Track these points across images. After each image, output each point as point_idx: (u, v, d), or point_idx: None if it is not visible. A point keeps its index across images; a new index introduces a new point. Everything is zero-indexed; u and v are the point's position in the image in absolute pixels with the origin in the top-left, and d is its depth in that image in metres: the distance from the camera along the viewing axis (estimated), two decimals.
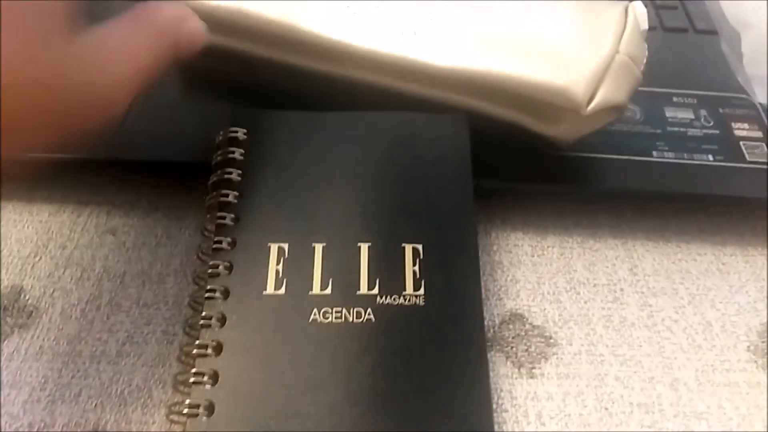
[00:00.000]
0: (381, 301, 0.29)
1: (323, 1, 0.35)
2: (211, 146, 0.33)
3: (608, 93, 0.33)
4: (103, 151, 0.36)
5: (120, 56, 0.24)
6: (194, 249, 0.35)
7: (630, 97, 0.34)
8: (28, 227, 0.37)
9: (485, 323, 0.33)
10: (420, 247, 0.30)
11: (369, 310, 0.29)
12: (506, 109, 0.34)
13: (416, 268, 0.30)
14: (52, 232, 0.37)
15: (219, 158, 0.33)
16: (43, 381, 0.31)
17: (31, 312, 0.33)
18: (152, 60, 0.25)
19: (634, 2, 0.35)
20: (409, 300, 0.29)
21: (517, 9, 0.35)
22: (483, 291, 0.33)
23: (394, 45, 0.34)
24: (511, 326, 0.34)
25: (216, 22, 0.35)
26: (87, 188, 0.38)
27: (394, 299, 0.29)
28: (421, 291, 0.29)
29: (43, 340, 0.32)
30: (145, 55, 0.25)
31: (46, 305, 0.33)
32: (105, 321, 0.33)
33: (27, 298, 0.34)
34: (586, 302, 0.35)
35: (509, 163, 0.37)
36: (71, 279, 0.35)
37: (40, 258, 0.35)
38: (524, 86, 0.33)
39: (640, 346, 0.33)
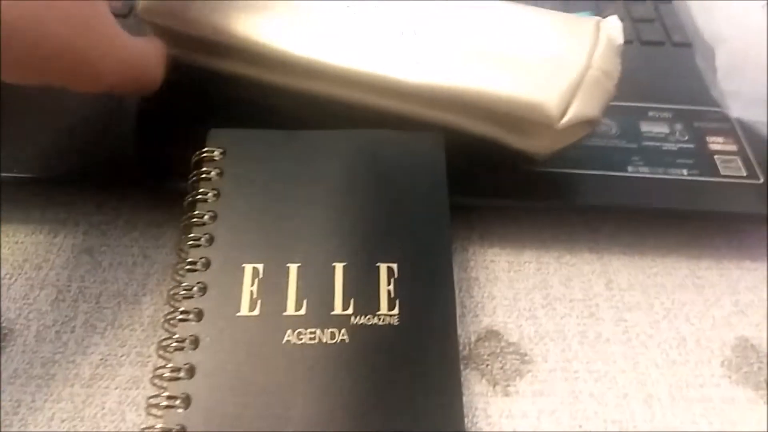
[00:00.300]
0: (355, 322, 0.29)
1: (295, 16, 0.35)
2: (187, 165, 0.33)
3: (581, 107, 0.33)
4: (79, 169, 0.36)
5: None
6: (170, 269, 0.35)
7: (603, 111, 0.34)
8: (3, 248, 0.37)
9: (461, 341, 0.33)
10: (395, 266, 0.30)
11: (343, 330, 0.29)
12: (481, 123, 0.35)
13: (391, 287, 0.30)
14: (28, 252, 0.36)
15: (194, 178, 0.33)
16: (16, 405, 0.31)
17: (6, 334, 0.33)
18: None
19: (609, 17, 0.35)
20: (384, 320, 0.29)
21: (490, 24, 0.35)
22: (459, 308, 0.34)
23: (370, 61, 0.34)
24: (486, 343, 0.34)
25: (192, 41, 0.36)
26: (63, 207, 0.38)
27: (369, 319, 0.29)
28: (396, 311, 0.29)
29: (18, 363, 0.32)
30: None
31: (21, 327, 0.33)
32: (79, 343, 0.33)
33: (2, 320, 0.33)
34: (562, 318, 0.35)
35: (486, 180, 0.37)
36: (47, 300, 0.34)
37: (15, 279, 0.35)
38: (498, 101, 0.33)
39: (615, 362, 0.33)
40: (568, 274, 0.37)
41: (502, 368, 0.33)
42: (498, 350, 0.33)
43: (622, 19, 0.47)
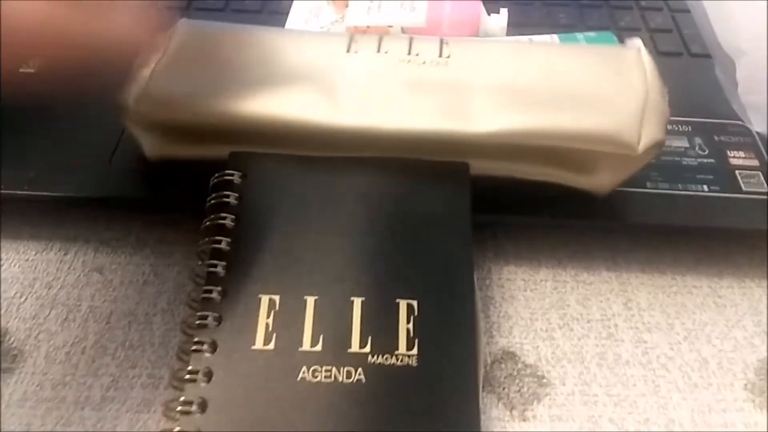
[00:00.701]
0: (372, 361, 0.28)
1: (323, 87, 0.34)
2: (204, 185, 0.33)
3: (651, 131, 0.33)
4: (92, 188, 0.36)
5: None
6: (182, 287, 0.35)
7: (665, 131, 0.34)
8: (14, 266, 0.36)
9: None
10: (415, 303, 0.30)
11: (360, 369, 0.28)
12: (547, 168, 0.35)
13: (410, 325, 0.29)
14: (39, 270, 0.36)
15: (213, 202, 0.32)
16: (26, 428, 0.30)
17: (16, 356, 0.33)
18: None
19: (636, 41, 0.35)
20: (402, 360, 0.28)
21: (542, 64, 0.35)
22: None
23: (432, 120, 0.33)
24: (503, 365, 0.33)
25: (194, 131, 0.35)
26: (74, 225, 0.38)
27: (386, 359, 0.28)
28: (415, 351, 0.28)
29: (27, 385, 0.32)
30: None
31: (31, 348, 0.33)
32: (90, 365, 0.32)
33: (11, 340, 0.33)
34: (579, 339, 0.34)
35: (503, 197, 0.36)
36: (57, 320, 0.34)
37: (26, 298, 0.35)
38: (570, 138, 0.33)
39: (635, 385, 0.32)
40: (585, 293, 0.36)
41: (519, 392, 0.32)
42: (515, 373, 0.33)
43: (638, 29, 0.47)
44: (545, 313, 0.35)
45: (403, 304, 0.30)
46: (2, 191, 0.35)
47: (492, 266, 0.37)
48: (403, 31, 0.43)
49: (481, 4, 0.43)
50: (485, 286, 0.36)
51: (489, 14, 0.44)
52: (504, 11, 0.43)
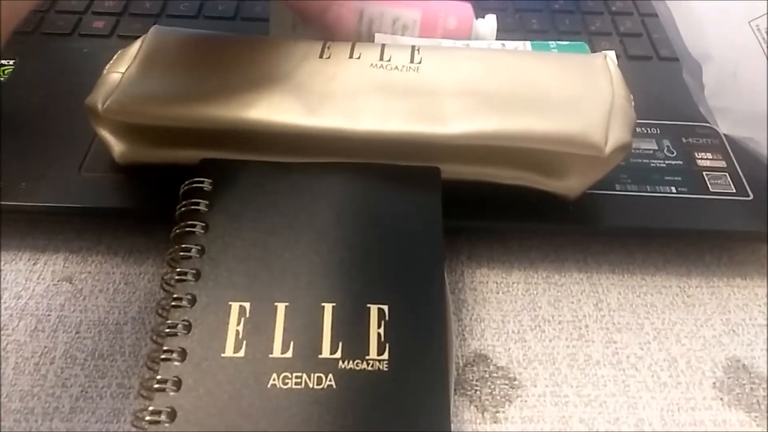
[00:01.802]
0: (343, 366, 0.28)
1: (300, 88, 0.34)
2: (172, 192, 0.33)
3: (618, 133, 0.33)
4: (61, 198, 0.36)
5: None
6: (152, 296, 0.35)
7: (632, 134, 0.34)
8: None
9: None
10: (386, 308, 0.30)
11: (330, 375, 0.28)
12: (516, 171, 0.35)
13: (381, 330, 0.29)
14: (7, 281, 0.36)
15: (183, 209, 0.32)
16: None
17: None
18: None
19: (607, 51, 0.36)
20: (372, 365, 0.28)
21: (511, 69, 0.35)
22: None
23: (403, 123, 0.33)
24: (475, 368, 0.33)
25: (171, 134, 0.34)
26: (43, 234, 0.38)
27: (357, 364, 0.28)
28: (385, 355, 0.28)
29: None
30: None
31: None
32: (59, 375, 0.32)
33: None
34: (551, 340, 0.34)
35: (474, 201, 0.36)
36: (25, 330, 0.34)
37: None
38: (542, 140, 0.33)
39: (605, 385, 0.33)
40: (556, 295, 0.37)
41: (491, 394, 0.32)
42: (486, 375, 0.33)
43: (609, 34, 0.47)
44: (517, 315, 0.36)
45: (373, 309, 0.30)
46: None
47: (465, 269, 0.37)
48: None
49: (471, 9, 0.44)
50: (458, 289, 0.36)
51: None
52: (491, 17, 0.44)
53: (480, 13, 0.45)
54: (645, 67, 0.47)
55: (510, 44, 0.43)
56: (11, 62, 0.44)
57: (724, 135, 0.40)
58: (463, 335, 0.34)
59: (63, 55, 0.45)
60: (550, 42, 0.43)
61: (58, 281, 0.36)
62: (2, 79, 0.43)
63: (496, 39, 0.44)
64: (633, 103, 0.36)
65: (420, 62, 0.36)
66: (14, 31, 0.46)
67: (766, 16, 0.38)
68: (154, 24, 0.46)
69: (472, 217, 0.36)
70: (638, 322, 0.35)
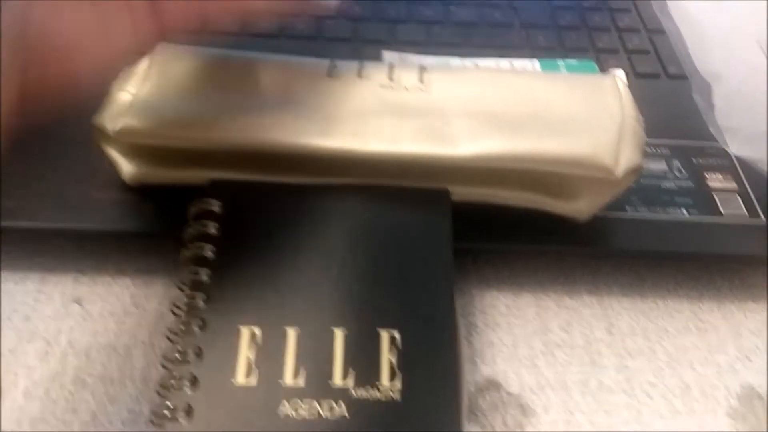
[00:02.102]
0: (355, 394, 0.28)
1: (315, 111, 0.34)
2: (182, 212, 0.33)
3: (629, 155, 0.33)
4: (70, 219, 0.35)
5: None
6: (162, 318, 0.35)
7: (642, 156, 0.34)
8: None
9: None
10: (397, 333, 0.30)
11: (342, 403, 0.28)
12: (526, 193, 0.35)
13: (392, 356, 0.29)
14: (16, 302, 0.36)
15: (192, 231, 0.32)
16: None
17: None
18: None
19: (615, 70, 0.36)
20: (385, 392, 0.28)
21: (520, 90, 0.35)
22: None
23: (413, 144, 0.33)
24: (487, 395, 0.33)
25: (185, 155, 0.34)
26: (52, 255, 0.37)
27: (369, 391, 0.28)
28: (397, 382, 0.28)
29: (5, 423, 0.31)
30: None
31: (9, 384, 0.32)
32: (69, 400, 0.32)
33: None
34: (562, 366, 0.34)
35: (484, 223, 0.36)
36: (35, 354, 0.34)
37: (3, 332, 0.34)
38: (548, 162, 0.33)
39: (618, 413, 0.33)
40: (567, 318, 0.36)
41: (503, 422, 0.32)
42: (499, 402, 0.33)
43: (617, 51, 0.47)
44: (528, 339, 0.35)
45: (384, 335, 0.30)
46: None
47: (474, 292, 0.37)
48: None
49: None
50: (467, 312, 0.36)
51: None
52: None
53: (485, 31, 0.45)
54: (653, 84, 0.46)
55: (518, 63, 0.43)
56: None
57: (735, 155, 0.40)
58: (474, 360, 0.34)
59: None
60: (558, 60, 0.42)
61: (67, 303, 0.36)
62: None
63: (502, 56, 0.44)
64: (643, 123, 0.35)
65: (429, 83, 0.36)
66: None
67: None
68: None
69: (480, 238, 0.36)
70: (651, 347, 0.35)
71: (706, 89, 0.39)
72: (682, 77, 0.46)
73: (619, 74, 0.37)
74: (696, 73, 0.40)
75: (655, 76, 0.47)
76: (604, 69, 0.46)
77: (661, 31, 0.49)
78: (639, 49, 0.49)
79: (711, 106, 0.39)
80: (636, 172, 0.34)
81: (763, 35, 0.38)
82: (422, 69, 0.37)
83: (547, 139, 0.33)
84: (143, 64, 0.36)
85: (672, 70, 0.47)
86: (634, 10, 0.52)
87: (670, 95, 0.45)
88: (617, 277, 0.38)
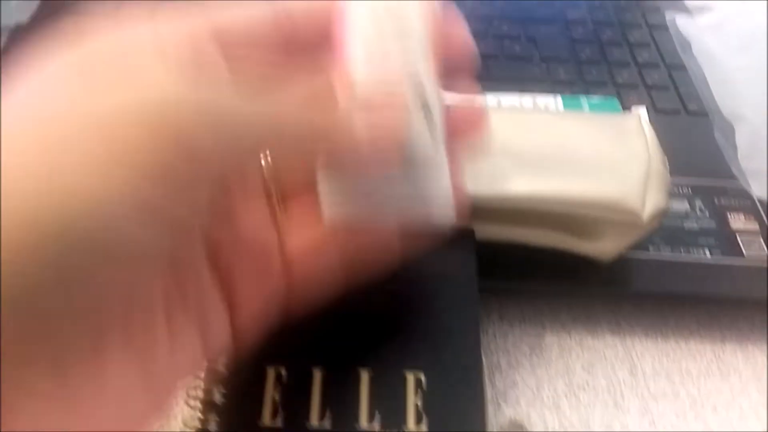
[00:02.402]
0: None
1: None
2: None
3: (655, 199, 0.33)
4: None
5: None
6: None
7: (668, 199, 0.34)
8: None
9: None
10: (422, 375, 0.29)
11: None
12: (550, 232, 0.35)
13: (418, 399, 0.29)
14: None
15: None
16: None
17: None
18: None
19: (639, 109, 0.36)
20: None
21: (546, 132, 0.35)
22: None
23: None
24: None
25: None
26: None
27: None
28: (423, 426, 0.28)
29: None
30: None
31: None
32: None
33: None
34: (586, 408, 0.34)
35: (508, 263, 0.36)
36: None
37: None
38: (575, 204, 0.33)
39: None
40: (590, 359, 0.36)
41: None
42: None
43: (636, 86, 0.47)
44: (551, 380, 0.35)
45: (410, 377, 0.30)
46: None
47: (497, 331, 0.37)
48: None
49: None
50: (491, 351, 0.36)
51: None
52: None
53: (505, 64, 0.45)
54: (673, 121, 0.46)
55: (541, 99, 0.43)
56: None
57: (758, 199, 0.40)
58: (498, 401, 0.34)
59: None
60: (581, 97, 0.43)
61: None
62: None
63: (524, 90, 0.45)
64: (668, 165, 0.35)
65: None
66: None
67: None
68: None
69: (504, 277, 0.36)
70: (674, 390, 0.35)
71: (729, 130, 0.39)
72: (702, 114, 0.46)
73: (643, 113, 0.37)
74: (718, 113, 0.40)
75: (675, 112, 0.47)
76: (625, 105, 0.46)
77: (681, 67, 0.49)
78: (659, 84, 0.49)
79: (734, 147, 0.39)
80: (661, 214, 0.34)
81: None
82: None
83: (574, 181, 0.33)
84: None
85: (692, 106, 0.47)
86: (653, 45, 0.52)
87: (690, 132, 0.45)
88: (640, 317, 0.38)
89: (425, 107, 0.23)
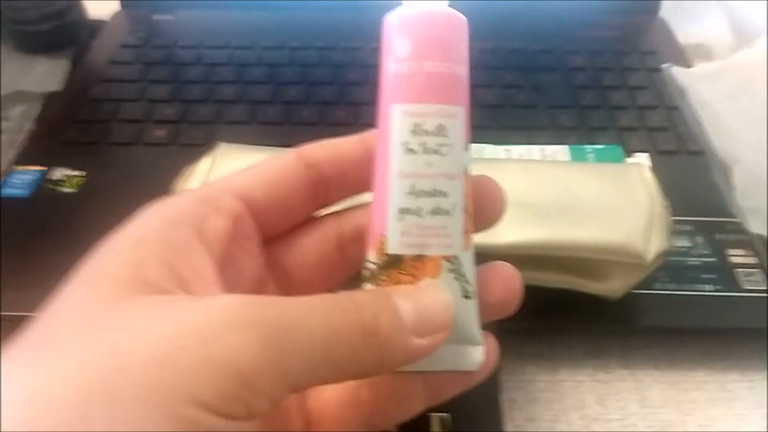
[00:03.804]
0: None
1: None
2: None
3: (658, 241, 0.36)
4: None
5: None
6: None
7: (670, 240, 0.37)
8: None
9: None
10: (448, 416, 0.32)
11: None
12: (560, 275, 0.38)
13: None
14: None
15: None
16: None
17: None
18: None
19: (641, 156, 0.38)
20: None
21: (554, 182, 0.38)
22: None
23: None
24: None
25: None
26: None
27: None
28: None
29: None
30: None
31: None
32: None
33: None
34: None
35: (523, 303, 0.38)
36: None
37: None
38: (583, 250, 0.36)
39: None
40: (602, 393, 0.39)
41: None
42: None
43: (637, 129, 0.50)
44: (566, 414, 0.38)
45: (435, 418, 0.32)
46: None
47: (513, 368, 0.40)
48: None
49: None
50: (507, 388, 0.39)
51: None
52: None
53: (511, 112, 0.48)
54: (673, 161, 0.49)
55: (548, 148, 0.46)
56: (82, 173, 0.48)
57: (758, 236, 0.42)
58: None
59: (128, 164, 0.49)
60: (586, 147, 0.45)
61: None
62: (75, 190, 0.47)
63: (529, 137, 0.47)
64: (670, 208, 0.38)
65: None
66: (81, 141, 0.50)
67: None
68: (211, 129, 0.50)
69: (519, 317, 0.38)
70: (682, 420, 0.37)
71: (726, 171, 0.42)
72: (700, 153, 0.49)
73: (644, 160, 0.40)
74: (715, 156, 0.43)
75: (674, 152, 0.50)
76: (627, 148, 0.49)
77: (679, 108, 0.52)
78: (658, 126, 0.51)
79: (730, 186, 0.41)
80: (664, 255, 0.37)
81: None
82: None
83: (583, 229, 0.36)
84: (204, 163, 0.39)
85: (691, 146, 0.50)
86: (651, 87, 0.55)
87: (690, 171, 0.48)
88: (648, 350, 0.41)
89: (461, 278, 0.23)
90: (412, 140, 0.22)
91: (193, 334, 0.17)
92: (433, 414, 0.32)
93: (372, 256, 0.22)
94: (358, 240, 0.24)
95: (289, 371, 0.18)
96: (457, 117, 0.22)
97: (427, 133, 0.22)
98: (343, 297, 0.20)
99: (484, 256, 0.36)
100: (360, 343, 0.19)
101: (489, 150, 0.45)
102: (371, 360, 0.19)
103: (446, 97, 0.22)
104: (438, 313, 0.21)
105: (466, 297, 0.23)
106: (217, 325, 0.17)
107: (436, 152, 0.22)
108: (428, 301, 0.21)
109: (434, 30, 0.22)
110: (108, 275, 0.19)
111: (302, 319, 0.18)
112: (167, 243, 0.20)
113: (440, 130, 0.22)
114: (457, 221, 0.22)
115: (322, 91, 0.55)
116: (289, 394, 0.18)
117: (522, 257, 0.36)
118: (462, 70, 0.22)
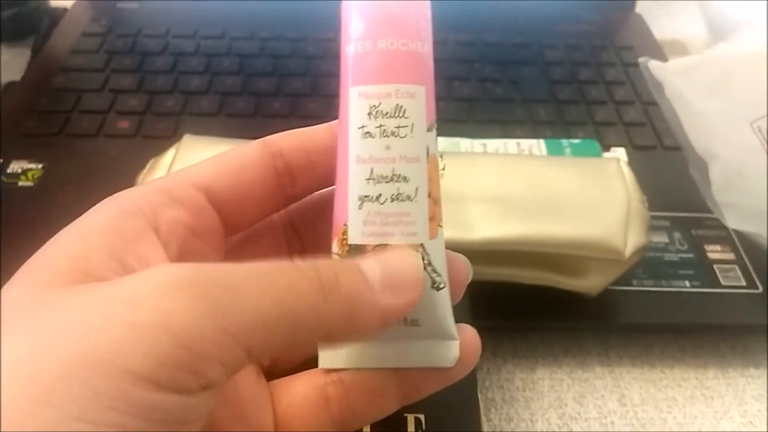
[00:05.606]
0: None
1: None
2: None
3: (635, 236, 0.35)
4: None
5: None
6: None
7: (648, 235, 0.36)
8: None
9: None
10: (422, 417, 0.31)
11: None
12: (538, 272, 0.37)
13: None
14: None
15: None
16: None
17: None
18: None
19: (618, 150, 0.38)
20: None
21: (530, 176, 0.37)
22: None
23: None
24: None
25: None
26: None
27: None
28: None
29: None
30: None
31: None
32: None
33: None
34: None
35: (499, 301, 0.38)
36: None
37: None
38: (560, 245, 0.35)
39: None
40: (581, 391, 0.38)
41: None
42: None
43: (614, 123, 0.50)
44: (544, 413, 0.37)
45: (410, 418, 0.31)
46: None
47: (490, 367, 0.39)
48: None
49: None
50: (485, 387, 0.38)
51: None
52: None
53: (488, 106, 0.47)
54: (650, 156, 0.49)
55: (525, 143, 0.45)
56: (39, 166, 0.46)
57: (733, 231, 0.42)
58: None
59: (89, 156, 0.47)
60: (562, 141, 0.45)
61: None
62: (32, 183, 0.45)
63: (507, 130, 0.46)
64: (647, 204, 0.37)
65: (443, 169, 0.38)
66: (41, 133, 0.48)
67: (766, 117, 0.41)
68: (177, 121, 0.48)
69: (496, 316, 0.38)
70: (661, 417, 0.37)
71: (703, 166, 0.41)
72: (677, 148, 0.48)
73: (621, 155, 0.39)
74: (692, 150, 0.42)
75: (651, 148, 0.49)
76: (604, 143, 0.48)
77: (656, 104, 0.52)
78: (635, 121, 0.51)
79: (708, 182, 0.41)
80: (642, 250, 0.36)
81: (756, 116, 0.40)
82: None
83: (559, 224, 0.35)
84: (168, 155, 0.38)
85: (668, 142, 0.49)
86: (628, 82, 0.54)
87: (666, 166, 0.48)
88: (627, 348, 0.40)
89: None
90: (368, 123, 0.21)
91: (122, 302, 0.16)
92: (409, 415, 0.31)
93: (335, 248, 0.21)
94: None
95: (238, 331, 0.16)
96: (417, 96, 0.21)
97: (384, 114, 0.21)
98: (298, 260, 0.18)
99: (459, 251, 0.35)
100: (320, 299, 0.18)
101: (465, 144, 0.44)
102: (336, 317, 0.18)
103: (403, 75, 0.21)
104: (406, 269, 0.20)
105: (436, 288, 0.21)
106: (147, 288, 0.16)
107: (394, 134, 0.21)
108: (394, 259, 0.20)
109: (389, 7, 0.21)
110: (49, 266, 0.18)
111: (248, 275, 0.17)
112: (116, 233, 0.19)
113: (398, 111, 0.21)
114: (421, 207, 0.21)
115: (293, 82, 0.53)
116: (248, 360, 0.17)
117: (498, 253, 0.36)
118: (421, 46, 0.21)
